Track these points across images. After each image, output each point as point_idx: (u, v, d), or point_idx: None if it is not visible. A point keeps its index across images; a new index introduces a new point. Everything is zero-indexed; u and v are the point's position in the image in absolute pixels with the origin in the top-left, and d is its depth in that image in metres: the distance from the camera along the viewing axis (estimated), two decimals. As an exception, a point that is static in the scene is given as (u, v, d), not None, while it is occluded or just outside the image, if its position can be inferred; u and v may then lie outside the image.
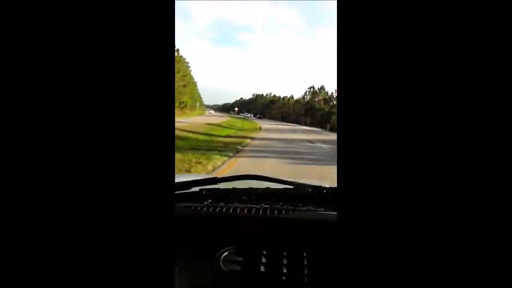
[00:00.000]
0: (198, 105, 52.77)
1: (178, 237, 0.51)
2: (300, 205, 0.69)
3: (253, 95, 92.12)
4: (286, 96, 73.49)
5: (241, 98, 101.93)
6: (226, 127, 17.67)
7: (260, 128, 21.12)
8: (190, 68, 53.77)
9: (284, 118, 56.49)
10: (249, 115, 59.98)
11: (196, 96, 58.60)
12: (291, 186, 0.75)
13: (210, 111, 46.08)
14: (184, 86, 41.67)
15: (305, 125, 41.20)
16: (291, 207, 0.66)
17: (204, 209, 0.65)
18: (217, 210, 0.64)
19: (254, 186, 0.76)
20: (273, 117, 62.20)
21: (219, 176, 0.80)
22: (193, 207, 0.66)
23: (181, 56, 46.64)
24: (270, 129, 21.24)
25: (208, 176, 0.87)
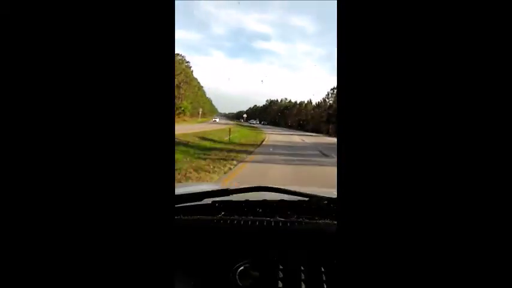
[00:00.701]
0: (200, 111, 45.73)
1: (190, 250, 0.55)
2: (316, 218, 0.68)
3: (267, 101, 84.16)
4: (303, 101, 64.86)
5: (255, 105, 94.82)
6: (184, 145, 8.87)
7: (261, 143, 12.38)
8: (191, 69, 46.81)
9: (301, 126, 47.45)
10: (254, 122, 53.67)
11: (200, 102, 51.86)
12: (306, 199, 0.73)
13: (214, 119, 37.93)
14: (178, 86, 34.41)
15: (329, 134, 31.73)
16: (306, 220, 0.65)
17: (217, 221, 0.65)
18: (230, 223, 0.64)
19: (268, 198, 0.74)
20: (288, 125, 53.59)
21: (231, 188, 0.79)
22: (205, 220, 0.65)
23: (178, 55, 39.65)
24: (277, 144, 12.37)
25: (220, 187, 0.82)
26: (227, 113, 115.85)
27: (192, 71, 44.90)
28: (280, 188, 0.75)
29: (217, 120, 38.12)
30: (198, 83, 52.63)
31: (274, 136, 18.82)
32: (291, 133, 26.67)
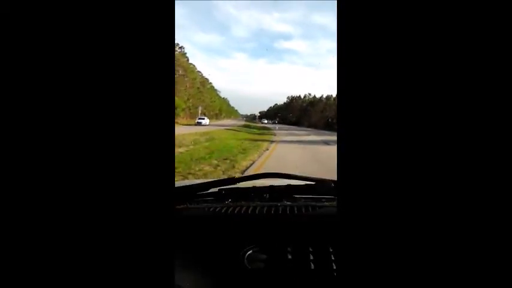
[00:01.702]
0: (200, 110, 36.93)
1: (198, 238, 0.56)
2: (323, 201, 0.69)
3: (288, 97, 73.68)
4: (331, 95, 53.98)
5: (276, 104, 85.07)
6: None
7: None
8: (187, 57, 37.79)
9: (330, 125, 36.55)
10: (266, 122, 45.31)
11: (206, 100, 43.34)
12: (313, 183, 0.74)
13: (199, 120, 24.61)
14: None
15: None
16: (313, 203, 0.67)
17: (224, 209, 0.65)
18: (237, 209, 0.64)
19: (275, 184, 0.75)
20: (312, 125, 43.06)
21: (238, 176, 0.80)
22: (212, 208, 0.66)
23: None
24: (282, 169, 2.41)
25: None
26: (249, 114, 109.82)
27: (187, 60, 36.14)
28: (286, 174, 0.74)
29: (204, 122, 25.45)
30: (202, 76, 44.09)
31: (286, 149, 8.73)
32: (320, 136, 16.01)
